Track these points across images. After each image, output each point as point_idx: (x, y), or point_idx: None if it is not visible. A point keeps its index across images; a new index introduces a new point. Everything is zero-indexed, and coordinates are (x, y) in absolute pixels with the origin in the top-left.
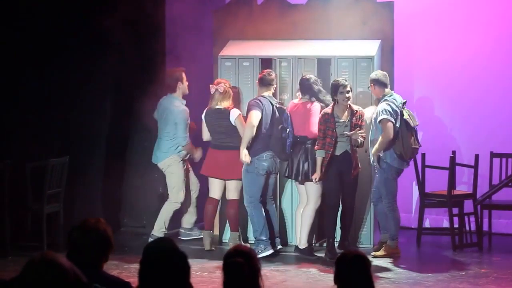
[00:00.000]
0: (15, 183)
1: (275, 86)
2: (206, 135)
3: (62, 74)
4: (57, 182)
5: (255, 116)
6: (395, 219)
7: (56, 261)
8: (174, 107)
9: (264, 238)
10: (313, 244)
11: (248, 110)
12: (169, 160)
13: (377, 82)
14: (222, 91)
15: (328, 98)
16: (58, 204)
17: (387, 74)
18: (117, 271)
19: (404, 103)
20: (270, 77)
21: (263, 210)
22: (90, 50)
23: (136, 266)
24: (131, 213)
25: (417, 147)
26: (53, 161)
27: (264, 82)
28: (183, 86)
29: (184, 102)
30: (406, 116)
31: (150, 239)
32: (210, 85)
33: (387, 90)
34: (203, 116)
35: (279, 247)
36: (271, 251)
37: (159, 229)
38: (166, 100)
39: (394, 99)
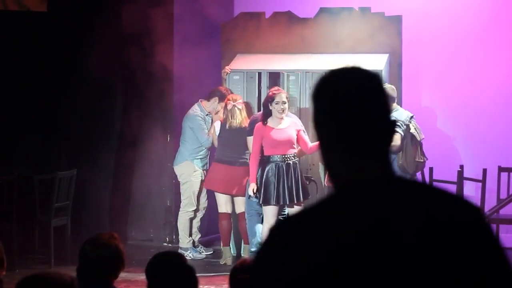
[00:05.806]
0: (23, 195)
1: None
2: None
3: (71, 87)
4: (65, 195)
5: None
6: None
7: (49, 278)
8: (191, 111)
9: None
10: None
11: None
12: (184, 166)
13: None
14: (240, 108)
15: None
16: (65, 217)
17: (394, 88)
18: (124, 284)
19: (412, 117)
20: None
21: (260, 221)
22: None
23: (143, 279)
24: (139, 226)
25: (421, 160)
26: (61, 174)
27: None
28: (215, 105)
29: (206, 113)
30: (412, 130)
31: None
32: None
33: (394, 105)
34: (217, 127)
35: None
36: None
37: (184, 241)
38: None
39: (399, 115)
